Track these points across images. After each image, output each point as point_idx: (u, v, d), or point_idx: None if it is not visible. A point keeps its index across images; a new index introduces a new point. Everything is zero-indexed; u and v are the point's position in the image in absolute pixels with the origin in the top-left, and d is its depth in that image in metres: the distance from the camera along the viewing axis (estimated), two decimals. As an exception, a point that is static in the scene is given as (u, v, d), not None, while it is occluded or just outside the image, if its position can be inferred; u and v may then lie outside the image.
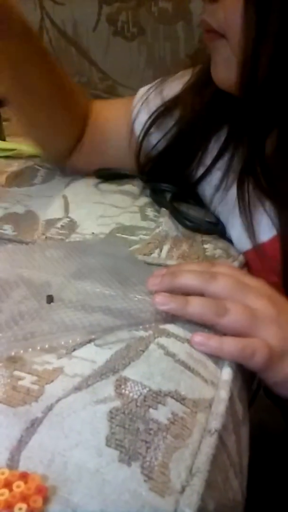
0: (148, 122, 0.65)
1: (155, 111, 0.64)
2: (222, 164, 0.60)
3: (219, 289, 0.44)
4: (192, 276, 0.45)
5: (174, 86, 0.64)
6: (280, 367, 0.42)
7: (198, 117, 0.61)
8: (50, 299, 0.42)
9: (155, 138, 0.66)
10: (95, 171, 0.72)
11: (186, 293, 0.45)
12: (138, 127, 0.66)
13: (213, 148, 0.61)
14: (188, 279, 0.45)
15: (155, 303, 0.44)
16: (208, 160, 0.62)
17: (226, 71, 0.51)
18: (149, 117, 0.65)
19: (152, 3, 0.84)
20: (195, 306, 0.43)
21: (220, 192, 0.61)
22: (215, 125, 0.61)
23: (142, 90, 0.68)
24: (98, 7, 0.87)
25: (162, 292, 0.44)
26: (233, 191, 0.58)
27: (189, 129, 0.62)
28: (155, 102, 0.65)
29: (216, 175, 0.61)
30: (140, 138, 0.66)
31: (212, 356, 0.43)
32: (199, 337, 0.43)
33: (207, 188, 0.63)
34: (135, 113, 0.67)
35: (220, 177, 0.60)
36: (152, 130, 0.65)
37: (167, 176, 0.67)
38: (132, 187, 0.69)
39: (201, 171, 0.63)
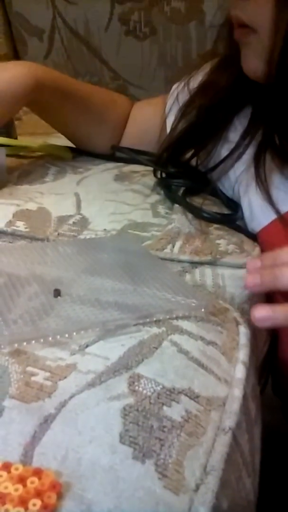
0: (178, 117, 0.68)
1: (183, 105, 0.68)
2: (248, 140, 0.64)
3: None
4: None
5: (198, 78, 0.68)
6: None
7: (220, 100, 0.65)
8: (57, 293, 0.42)
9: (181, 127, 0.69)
10: (112, 146, 0.78)
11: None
12: (169, 123, 0.71)
13: (236, 128, 0.65)
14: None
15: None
16: (233, 138, 0.65)
17: (256, 63, 0.54)
18: (179, 112, 0.69)
19: (165, 3, 0.84)
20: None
21: (244, 168, 0.64)
22: (237, 105, 0.65)
23: (175, 87, 0.73)
24: (110, 6, 0.87)
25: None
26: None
27: (210, 111, 0.66)
28: (183, 97, 0.69)
29: (242, 151, 0.64)
30: (170, 131, 0.70)
31: (226, 353, 0.43)
32: (262, 310, 0.41)
33: (237, 164, 0.65)
34: (167, 110, 0.72)
35: (251, 152, 0.63)
36: (181, 122, 0.69)
37: (185, 161, 0.70)
38: (144, 184, 0.69)
39: (224, 150, 0.66)
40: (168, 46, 0.86)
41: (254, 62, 0.55)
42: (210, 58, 0.76)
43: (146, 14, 0.85)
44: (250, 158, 0.62)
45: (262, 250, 0.59)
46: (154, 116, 0.75)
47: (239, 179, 0.64)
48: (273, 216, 0.58)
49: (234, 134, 0.65)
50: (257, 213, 0.60)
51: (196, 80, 0.68)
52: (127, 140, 0.78)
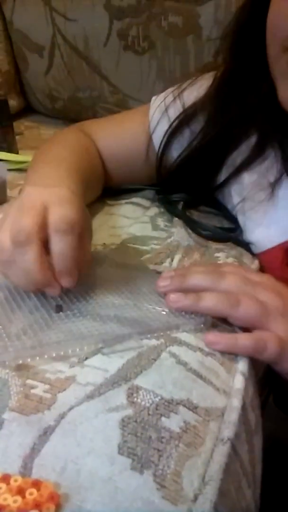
0: (169, 132, 0.63)
1: (176, 119, 0.63)
2: (255, 164, 0.60)
3: (228, 286, 0.45)
4: (201, 276, 0.47)
5: (193, 93, 0.63)
6: None
7: (225, 125, 0.60)
8: (59, 308, 0.43)
9: (176, 148, 0.64)
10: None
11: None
12: (157, 139, 0.65)
13: (244, 151, 0.61)
14: (197, 279, 0.46)
15: (168, 301, 0.45)
16: (237, 162, 0.62)
17: None
18: (169, 127, 0.63)
19: (162, 18, 0.85)
20: (208, 300, 0.44)
21: (251, 191, 0.61)
22: (243, 131, 0.61)
23: (157, 101, 0.66)
24: (109, 22, 0.88)
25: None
26: (262, 192, 0.59)
27: (216, 136, 0.61)
28: (174, 111, 0.63)
29: (247, 174, 0.61)
30: (161, 150, 0.64)
31: (225, 364, 0.43)
32: (212, 336, 0.44)
33: (235, 187, 0.63)
34: (153, 125, 0.65)
35: (255, 176, 0.60)
36: (173, 138, 0.64)
37: (186, 184, 0.67)
38: (143, 197, 0.70)
39: (227, 173, 0.63)
40: (166, 60, 0.87)
41: None
42: (208, 72, 0.77)
43: (144, 29, 0.86)
44: (253, 180, 0.60)
45: (261, 270, 0.59)
46: (132, 138, 0.67)
47: (240, 203, 0.62)
48: (274, 243, 0.58)
49: (240, 157, 0.61)
50: (263, 236, 0.60)
51: (190, 95, 0.63)
52: (114, 174, 0.69)
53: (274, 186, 0.57)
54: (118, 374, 0.38)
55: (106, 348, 0.40)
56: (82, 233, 0.43)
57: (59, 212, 0.42)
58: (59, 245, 0.42)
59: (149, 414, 0.35)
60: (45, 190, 0.46)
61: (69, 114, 0.94)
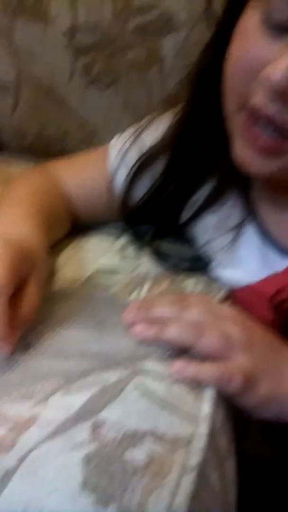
0: (130, 175, 0.63)
1: (135, 164, 0.63)
2: (216, 206, 0.61)
3: (192, 317, 0.46)
4: (166, 307, 0.47)
5: (151, 135, 0.63)
6: (255, 390, 0.44)
7: (185, 170, 0.60)
8: (25, 346, 0.43)
9: (138, 190, 0.64)
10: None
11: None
12: (119, 182, 0.65)
13: (204, 194, 0.61)
14: (162, 310, 0.47)
15: (133, 333, 0.45)
16: (198, 204, 0.62)
17: (272, 167, 0.48)
18: (130, 170, 0.63)
19: (125, 52, 0.87)
20: (172, 331, 0.45)
21: (214, 233, 0.61)
22: (202, 175, 0.61)
23: (117, 144, 0.66)
24: (73, 58, 0.90)
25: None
26: (226, 235, 0.59)
27: (176, 179, 0.61)
28: (133, 154, 0.63)
29: (209, 216, 0.62)
30: (123, 192, 0.65)
31: (192, 390, 0.44)
32: (178, 365, 0.44)
33: (199, 228, 0.63)
34: (114, 168, 0.65)
35: (216, 219, 0.61)
36: (134, 182, 0.64)
37: (151, 222, 0.67)
38: (112, 229, 0.71)
39: (189, 214, 0.63)
40: (131, 93, 0.89)
41: (268, 166, 0.48)
42: (172, 102, 0.79)
43: (107, 64, 0.88)
44: (216, 223, 0.61)
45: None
46: (95, 181, 0.67)
47: (204, 242, 0.63)
48: (241, 284, 0.58)
49: (201, 200, 0.61)
50: (232, 276, 0.60)
51: (148, 137, 0.63)
52: (80, 213, 0.69)
53: (236, 229, 0.58)
54: (82, 410, 0.38)
55: (69, 384, 0.40)
56: (22, 283, 0.44)
57: None
58: None
59: (113, 448, 0.36)
60: None
61: (37, 150, 0.95)
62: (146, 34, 0.83)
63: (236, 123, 0.49)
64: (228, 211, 0.59)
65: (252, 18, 0.45)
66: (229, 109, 0.50)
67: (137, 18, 0.76)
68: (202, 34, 0.62)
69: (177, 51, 0.81)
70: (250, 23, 0.45)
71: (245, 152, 0.48)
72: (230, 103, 0.49)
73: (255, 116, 0.46)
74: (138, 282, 0.58)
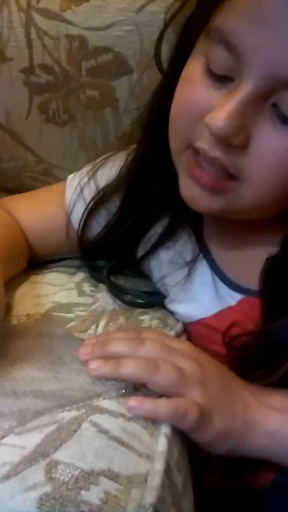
0: (86, 213, 0.64)
1: (90, 201, 0.64)
2: (170, 243, 0.62)
3: (147, 352, 0.47)
4: (121, 343, 0.48)
5: (106, 173, 0.64)
6: (209, 426, 0.44)
7: (140, 206, 0.62)
8: None
9: (95, 227, 0.65)
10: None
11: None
12: (75, 220, 0.66)
13: (158, 230, 0.62)
14: (117, 346, 0.47)
15: (88, 370, 0.46)
16: (153, 240, 0.63)
17: (218, 204, 0.49)
18: (86, 208, 0.64)
19: (80, 92, 0.89)
20: (128, 367, 0.45)
21: (169, 269, 0.62)
22: (156, 212, 0.62)
23: (73, 182, 0.67)
24: (29, 97, 0.91)
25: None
26: (180, 271, 0.60)
27: (131, 216, 0.62)
28: (89, 192, 0.65)
29: (164, 252, 0.63)
30: (80, 230, 0.65)
31: (148, 428, 0.44)
32: (133, 401, 0.44)
33: (154, 263, 0.65)
34: (70, 206, 0.66)
35: (171, 255, 0.62)
36: (90, 219, 0.65)
37: (108, 256, 0.68)
38: (69, 264, 0.71)
39: (144, 249, 0.64)
40: (87, 131, 0.91)
41: (214, 203, 0.49)
42: (127, 140, 0.80)
43: (63, 103, 0.90)
44: (170, 258, 0.62)
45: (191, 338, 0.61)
46: (51, 218, 0.68)
47: (160, 277, 0.64)
48: (195, 318, 0.59)
49: (156, 236, 0.63)
50: (180, 312, 0.62)
51: (104, 175, 0.64)
52: (38, 249, 0.69)
53: (190, 265, 0.60)
54: (37, 450, 0.38)
55: (22, 425, 0.39)
56: None
57: None
58: None
59: (68, 489, 0.35)
60: None
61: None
62: (101, 76, 0.85)
63: (181, 162, 0.51)
64: (182, 247, 0.61)
65: (196, 67, 0.47)
66: (174, 149, 0.52)
67: (91, 60, 0.78)
68: (154, 77, 0.64)
69: (130, 93, 0.83)
70: (194, 71, 0.47)
71: (191, 189, 0.50)
72: (175, 143, 0.51)
73: (199, 156, 0.48)
74: (95, 318, 0.58)
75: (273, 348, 0.50)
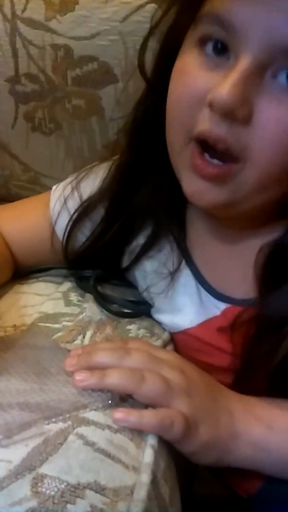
0: (70, 224, 0.64)
1: (75, 212, 0.64)
2: (153, 252, 0.62)
3: (133, 363, 0.47)
4: (107, 354, 0.48)
5: (90, 184, 0.64)
6: (195, 436, 0.45)
7: (123, 216, 0.62)
8: None
9: (79, 237, 0.65)
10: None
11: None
12: (60, 230, 0.65)
13: (141, 240, 0.62)
14: (103, 357, 0.47)
15: (74, 381, 0.46)
16: (137, 250, 0.63)
17: (223, 195, 0.48)
18: (70, 219, 0.64)
19: (66, 101, 0.89)
20: (113, 377, 0.45)
21: (153, 279, 0.62)
22: (140, 221, 0.62)
23: (56, 193, 0.67)
24: (15, 106, 0.91)
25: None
26: (164, 281, 0.60)
27: (115, 226, 0.62)
28: (73, 203, 0.64)
29: (148, 262, 0.63)
30: (64, 240, 0.65)
31: (134, 439, 0.44)
32: (119, 413, 0.44)
33: (139, 273, 0.65)
34: (54, 217, 0.65)
35: (155, 265, 0.62)
36: (75, 230, 0.65)
37: (94, 266, 0.68)
38: (55, 273, 0.71)
39: (129, 259, 0.64)
40: (73, 139, 0.91)
41: (219, 195, 0.48)
42: (113, 148, 0.81)
43: (49, 112, 0.90)
44: (154, 269, 0.62)
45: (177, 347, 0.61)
46: (35, 229, 0.67)
47: (145, 287, 0.63)
48: (180, 328, 0.60)
49: (139, 246, 0.63)
50: (165, 322, 0.62)
51: (87, 186, 0.64)
52: (22, 260, 0.69)
53: (173, 274, 0.60)
54: (23, 464, 0.38)
55: (8, 438, 0.39)
56: None
57: None
58: None
59: (54, 503, 0.35)
60: None
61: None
62: (86, 85, 0.85)
63: (183, 158, 0.49)
64: (166, 257, 0.61)
65: (189, 57, 0.47)
66: (174, 146, 0.50)
67: (76, 69, 0.79)
68: (139, 86, 0.64)
69: (116, 101, 0.84)
70: (188, 61, 0.47)
71: (196, 185, 0.48)
72: (175, 138, 0.50)
73: (202, 145, 0.47)
74: (82, 328, 0.58)
75: (270, 322, 0.49)
